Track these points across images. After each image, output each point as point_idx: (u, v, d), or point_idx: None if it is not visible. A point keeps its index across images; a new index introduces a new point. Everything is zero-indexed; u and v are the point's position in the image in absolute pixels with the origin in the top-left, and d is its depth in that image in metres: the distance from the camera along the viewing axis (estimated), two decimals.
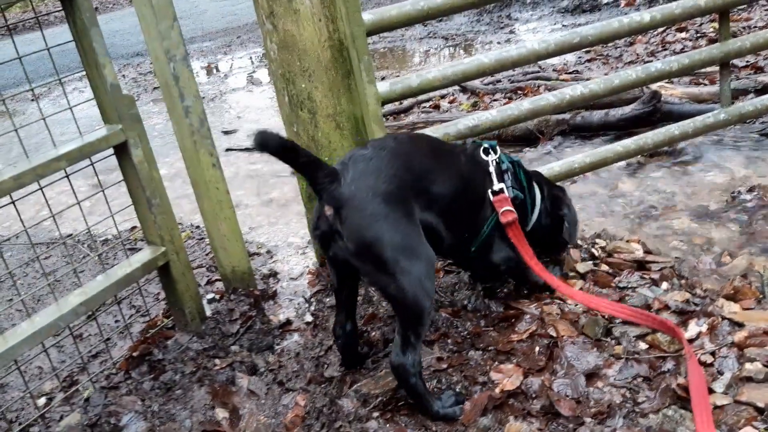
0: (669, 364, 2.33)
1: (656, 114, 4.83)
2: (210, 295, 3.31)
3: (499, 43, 9.40)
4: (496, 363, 2.52)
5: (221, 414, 2.55)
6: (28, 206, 4.82)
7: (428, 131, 3.30)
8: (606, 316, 2.62)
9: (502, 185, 2.62)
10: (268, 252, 4.00)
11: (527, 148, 5.13)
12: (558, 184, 3.17)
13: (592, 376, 2.36)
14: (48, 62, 3.07)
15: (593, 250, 3.17)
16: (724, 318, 2.48)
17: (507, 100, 6.39)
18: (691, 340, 2.42)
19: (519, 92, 6.51)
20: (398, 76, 7.22)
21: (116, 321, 3.49)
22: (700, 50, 3.88)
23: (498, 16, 11.05)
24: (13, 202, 2.53)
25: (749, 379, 2.17)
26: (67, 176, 2.65)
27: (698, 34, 7.15)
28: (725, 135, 4.54)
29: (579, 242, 3.24)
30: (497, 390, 2.37)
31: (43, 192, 2.63)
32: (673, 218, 3.68)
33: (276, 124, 2.59)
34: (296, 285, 3.50)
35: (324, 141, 3.18)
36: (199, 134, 2.93)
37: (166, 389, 2.72)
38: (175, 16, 2.78)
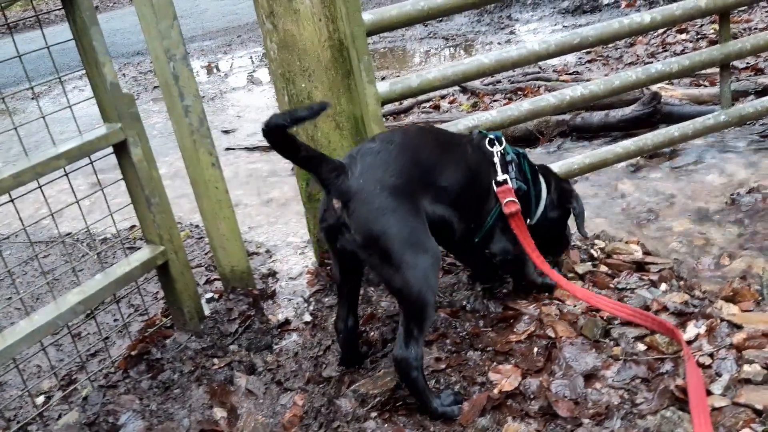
0: (667, 366, 2.33)
1: (656, 115, 4.83)
2: (209, 295, 3.31)
3: (499, 43, 9.40)
4: (495, 363, 2.52)
5: (219, 413, 2.55)
6: (28, 204, 4.83)
7: None
8: (605, 317, 2.62)
9: (506, 176, 2.63)
10: (268, 251, 3.99)
11: (527, 149, 5.12)
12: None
13: (590, 377, 2.36)
14: (48, 61, 3.07)
15: (592, 251, 3.17)
16: (722, 320, 2.48)
17: (507, 100, 6.39)
18: (689, 342, 2.41)
19: (519, 93, 6.51)
20: (398, 76, 7.22)
21: (115, 320, 3.49)
22: (700, 52, 3.88)
23: (498, 16, 11.04)
24: (12, 201, 2.53)
25: (747, 381, 2.17)
26: (66, 175, 2.65)
27: (699, 36, 7.15)
28: (725, 136, 4.54)
29: (578, 243, 3.23)
30: (496, 390, 2.36)
31: (42, 190, 2.63)
32: (673, 220, 3.68)
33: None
34: (295, 285, 3.49)
35: (323, 141, 3.18)
36: (198, 133, 2.93)
37: (165, 388, 2.72)
38: (175, 15, 2.78)
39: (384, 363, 2.62)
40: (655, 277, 2.89)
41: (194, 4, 18.67)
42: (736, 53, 3.86)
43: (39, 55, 2.62)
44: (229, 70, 10.78)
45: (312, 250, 3.73)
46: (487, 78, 6.94)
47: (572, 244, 3.21)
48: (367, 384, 2.48)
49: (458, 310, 2.87)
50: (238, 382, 2.70)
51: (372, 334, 2.85)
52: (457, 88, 7.09)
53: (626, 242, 3.27)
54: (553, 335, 2.58)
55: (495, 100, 6.52)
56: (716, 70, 4.56)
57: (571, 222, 2.98)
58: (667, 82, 5.35)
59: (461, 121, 3.40)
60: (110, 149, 2.75)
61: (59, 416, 2.72)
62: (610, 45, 7.52)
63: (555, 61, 7.46)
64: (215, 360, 2.85)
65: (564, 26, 9.57)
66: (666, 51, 6.92)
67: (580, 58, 7.45)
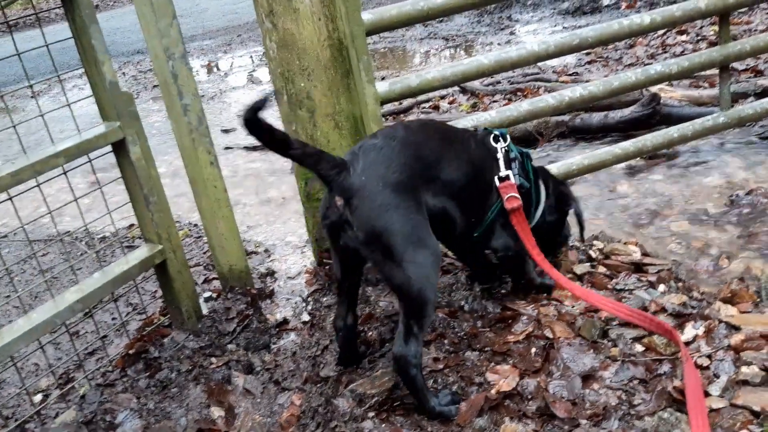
0: (665, 367, 2.33)
1: (655, 116, 4.83)
2: (207, 294, 3.31)
3: (499, 44, 9.40)
4: (493, 364, 2.52)
5: (217, 412, 2.55)
6: (27, 203, 4.83)
7: None
8: (603, 318, 2.62)
9: (508, 172, 2.63)
10: (266, 251, 3.99)
11: (527, 150, 5.12)
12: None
13: (588, 377, 2.36)
14: (49, 59, 3.07)
15: (591, 252, 3.17)
16: (720, 321, 2.48)
17: (506, 101, 6.39)
18: (687, 343, 2.41)
19: (518, 93, 6.51)
20: (398, 76, 7.22)
21: (113, 319, 3.49)
22: (699, 53, 3.88)
23: (498, 17, 11.04)
24: (10, 199, 2.53)
25: (745, 383, 2.17)
26: (65, 173, 2.65)
27: (698, 37, 7.15)
28: (724, 138, 4.54)
29: (577, 244, 3.23)
30: (493, 391, 2.36)
31: (40, 188, 2.63)
32: (672, 221, 3.68)
33: (276, 123, 2.60)
34: (294, 284, 3.49)
35: (323, 140, 3.18)
36: (197, 132, 2.92)
37: (162, 387, 2.72)
38: (174, 14, 2.78)
39: (382, 363, 2.62)
40: (653, 278, 2.89)
41: (194, 4, 18.68)
42: (736, 55, 3.86)
43: (39, 54, 2.62)
44: (229, 70, 10.78)
45: (311, 250, 3.73)
46: (486, 79, 6.94)
47: (571, 245, 3.21)
48: (364, 384, 2.48)
49: (456, 310, 2.87)
50: (235, 382, 2.69)
51: (370, 333, 2.85)
52: (456, 88, 7.09)
53: (625, 243, 3.27)
54: (551, 336, 2.58)
55: (494, 101, 6.52)
56: (716, 71, 4.56)
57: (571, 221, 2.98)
58: (666, 83, 5.35)
59: (460, 122, 3.40)
60: (109, 148, 2.75)
61: (56, 414, 2.71)
62: (610, 46, 7.52)
63: (555, 62, 7.46)
64: (213, 359, 2.84)
65: (564, 27, 9.57)
66: (666, 52, 6.92)
67: (579, 59, 7.44)
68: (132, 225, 4.44)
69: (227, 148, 6.35)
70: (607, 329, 2.58)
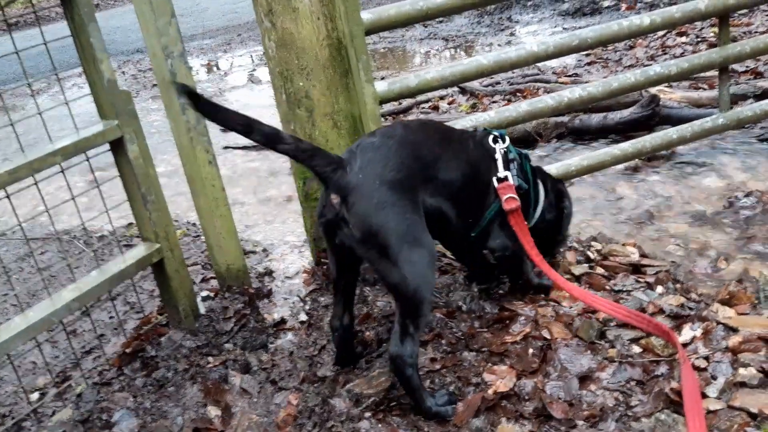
0: (662, 368, 2.33)
1: (655, 118, 4.82)
2: (204, 293, 3.30)
3: (499, 45, 9.39)
4: (490, 364, 2.51)
5: (213, 412, 2.54)
6: (25, 201, 4.81)
7: None
8: (600, 319, 2.62)
9: (507, 173, 2.62)
10: (264, 250, 3.99)
11: (526, 151, 5.12)
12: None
13: (585, 378, 2.35)
14: (49, 58, 3.07)
15: (589, 252, 3.16)
16: (718, 323, 2.48)
17: (506, 102, 6.39)
18: (685, 345, 2.41)
19: (518, 94, 6.50)
20: (398, 76, 7.23)
21: (110, 317, 3.48)
22: (699, 54, 3.88)
23: (498, 18, 11.04)
24: (8, 196, 2.53)
25: (743, 385, 2.16)
26: (62, 171, 2.64)
27: (698, 39, 7.14)
28: (724, 140, 4.54)
29: (575, 245, 3.23)
30: (490, 391, 2.36)
31: (38, 186, 2.62)
32: (670, 222, 3.67)
33: (275, 123, 2.60)
34: (291, 284, 3.49)
35: (321, 140, 3.18)
36: (195, 131, 2.92)
37: (159, 386, 2.71)
38: (173, 13, 2.78)
39: (379, 363, 2.62)
40: (651, 280, 2.89)
41: (194, 3, 18.66)
42: (735, 56, 3.86)
43: (40, 52, 2.61)
44: (229, 69, 10.77)
45: (309, 249, 3.72)
46: (486, 79, 6.96)
47: (569, 245, 3.21)
48: (361, 384, 2.47)
49: (454, 310, 2.87)
50: (232, 381, 2.69)
51: (367, 333, 2.84)
52: (456, 89, 7.08)
53: (623, 244, 3.27)
54: (548, 336, 2.58)
55: (494, 102, 6.51)
56: (715, 73, 4.55)
57: None
58: (666, 84, 5.35)
59: (459, 122, 3.40)
60: (107, 146, 2.75)
61: (53, 413, 2.71)
62: (610, 47, 7.51)
63: (554, 63, 7.46)
64: (210, 358, 2.84)
65: (564, 28, 9.56)
66: (665, 54, 6.92)
67: (579, 60, 7.44)
68: (130, 224, 4.44)
69: (226, 147, 6.35)
70: (604, 330, 2.58)
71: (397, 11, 3.10)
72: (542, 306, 2.78)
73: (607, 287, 2.88)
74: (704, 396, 2.15)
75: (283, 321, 3.11)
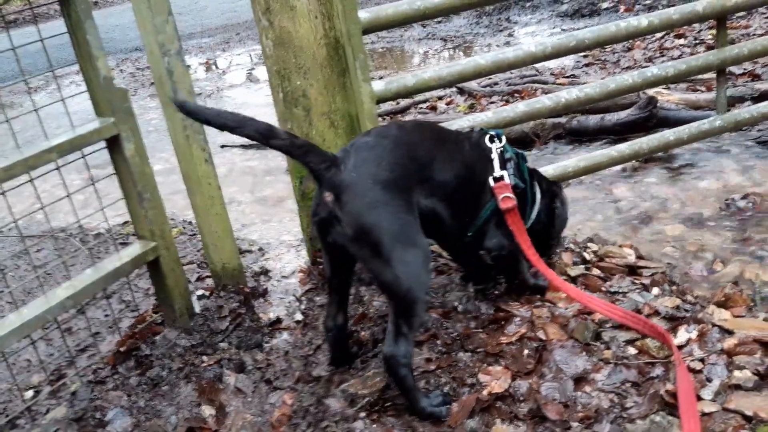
0: (658, 370, 2.32)
1: (652, 119, 4.82)
2: (200, 292, 3.29)
3: (497, 45, 9.39)
4: (485, 365, 2.50)
5: (207, 411, 2.54)
6: (22, 198, 4.79)
7: None
8: (596, 320, 2.61)
9: (503, 172, 2.62)
10: (260, 249, 3.98)
11: (522, 151, 5.12)
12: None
13: (580, 380, 2.35)
14: (48, 54, 3.07)
15: (585, 254, 3.16)
16: (714, 325, 2.47)
17: (504, 102, 6.38)
18: (680, 347, 2.41)
19: (516, 95, 6.50)
20: (396, 75, 7.22)
21: (106, 315, 3.47)
22: (696, 56, 3.88)
23: (497, 18, 11.04)
24: (3, 193, 2.52)
25: (738, 387, 2.16)
26: (58, 168, 2.64)
27: (696, 41, 7.15)
28: (721, 142, 4.54)
29: (572, 245, 3.23)
30: (485, 392, 2.35)
31: (33, 184, 2.62)
32: (667, 224, 3.67)
33: (273, 122, 2.60)
34: (287, 283, 3.48)
35: (318, 139, 3.17)
36: (191, 129, 2.91)
37: (153, 385, 2.71)
38: (170, 11, 2.77)
39: (374, 363, 2.61)
40: (647, 281, 2.89)
41: (193, 1, 18.65)
42: (733, 59, 3.86)
43: (38, 49, 2.61)
44: (228, 68, 10.77)
45: (305, 249, 3.72)
46: (484, 80, 6.95)
47: (566, 246, 3.21)
48: (356, 384, 2.47)
49: (450, 310, 2.86)
50: (227, 380, 2.68)
51: (363, 333, 2.84)
52: (454, 89, 7.08)
53: (619, 246, 3.26)
54: (544, 337, 2.57)
55: (492, 102, 6.51)
56: (713, 75, 4.56)
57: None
58: (663, 86, 5.35)
59: (457, 122, 3.40)
60: (103, 144, 2.74)
61: (47, 411, 2.70)
62: (608, 49, 7.52)
63: (552, 64, 7.46)
64: (204, 357, 2.83)
65: (562, 29, 9.57)
66: (663, 56, 6.92)
67: (577, 61, 7.44)
68: (126, 222, 4.43)
69: (223, 146, 6.34)
70: (600, 332, 2.57)
71: (395, 10, 3.10)
72: (538, 307, 2.78)
73: (603, 288, 2.87)
74: (699, 398, 2.15)
75: (278, 320, 3.10)
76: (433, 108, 6.66)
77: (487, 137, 2.68)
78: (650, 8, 9.24)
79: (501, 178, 2.62)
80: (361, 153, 2.28)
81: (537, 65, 7.26)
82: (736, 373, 2.21)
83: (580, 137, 5.15)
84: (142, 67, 11.44)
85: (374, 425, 2.31)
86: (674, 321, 2.57)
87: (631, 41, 7.37)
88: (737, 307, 2.61)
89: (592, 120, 5.07)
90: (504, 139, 2.71)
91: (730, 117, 4.00)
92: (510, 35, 9.92)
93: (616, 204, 4.01)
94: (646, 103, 4.83)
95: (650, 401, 2.19)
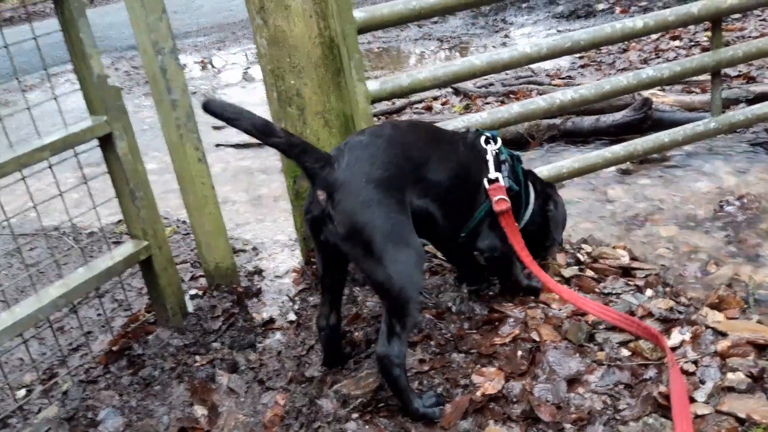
0: (651, 372, 2.32)
1: (647, 121, 4.82)
2: (193, 291, 3.28)
3: (494, 46, 9.39)
4: (479, 366, 2.50)
5: (200, 411, 2.53)
6: (16, 197, 4.77)
7: None
8: (590, 321, 2.61)
9: (498, 174, 2.62)
10: (254, 249, 3.97)
11: (517, 153, 5.11)
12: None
13: (573, 381, 2.35)
14: (44, 53, 3.06)
15: (579, 255, 3.16)
16: (707, 327, 2.48)
17: (499, 103, 6.38)
18: (673, 348, 2.41)
19: (511, 96, 6.49)
20: (391, 75, 7.21)
21: (98, 314, 3.46)
22: (691, 58, 3.88)
23: (493, 19, 11.04)
24: None
25: (731, 389, 2.16)
26: (50, 167, 2.62)
27: (692, 43, 7.16)
28: (715, 144, 4.54)
29: (566, 246, 3.23)
30: (478, 393, 2.35)
31: (25, 182, 2.60)
32: (661, 225, 3.67)
33: None
34: (281, 283, 3.47)
35: (312, 138, 3.16)
36: (185, 128, 2.90)
37: (145, 385, 2.70)
38: (164, 9, 2.76)
39: (367, 364, 2.61)
40: (641, 283, 2.89)
41: (189, 0, 18.62)
42: (728, 61, 3.86)
43: (35, 47, 2.60)
44: (223, 67, 10.75)
45: (299, 249, 3.71)
46: (479, 80, 6.95)
47: (561, 247, 3.20)
48: (349, 385, 2.46)
49: (444, 311, 2.86)
50: (219, 380, 2.67)
51: (356, 334, 2.83)
52: (450, 89, 7.08)
53: (613, 247, 3.26)
54: (537, 339, 2.57)
55: (487, 103, 6.50)
56: (708, 77, 4.56)
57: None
58: (658, 88, 5.35)
59: (452, 123, 3.39)
60: (96, 142, 2.73)
61: (39, 410, 2.69)
62: (604, 50, 7.52)
63: (548, 65, 7.45)
64: (197, 357, 2.82)
65: (558, 31, 9.57)
66: (659, 57, 6.93)
67: (573, 62, 7.45)
68: (120, 221, 4.42)
69: (218, 145, 6.32)
70: (593, 333, 2.57)
71: (390, 10, 3.09)
72: (532, 308, 2.77)
73: (597, 290, 2.87)
74: (692, 400, 2.15)
75: (271, 320, 3.09)
76: (429, 108, 6.66)
77: (482, 138, 2.68)
78: (646, 10, 9.25)
79: (496, 180, 2.61)
80: (354, 152, 2.27)
81: (532, 66, 7.26)
82: (730, 375, 2.20)
83: (574, 138, 5.14)
84: (138, 65, 11.41)
85: (367, 426, 2.30)
86: (668, 323, 2.57)
87: (626, 43, 7.38)
88: (731, 309, 2.61)
89: (587, 121, 5.07)
90: (499, 140, 2.71)
91: (724, 119, 4.00)
92: (506, 36, 9.91)
93: (610, 205, 4.01)
94: (641, 105, 4.82)
95: (643, 403, 2.19)
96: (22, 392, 2.88)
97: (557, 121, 5.18)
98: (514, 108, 3.53)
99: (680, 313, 2.63)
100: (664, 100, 5.24)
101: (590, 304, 2.49)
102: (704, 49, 6.54)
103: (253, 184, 5.25)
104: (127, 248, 2.85)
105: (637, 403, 2.20)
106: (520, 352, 2.52)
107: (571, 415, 2.20)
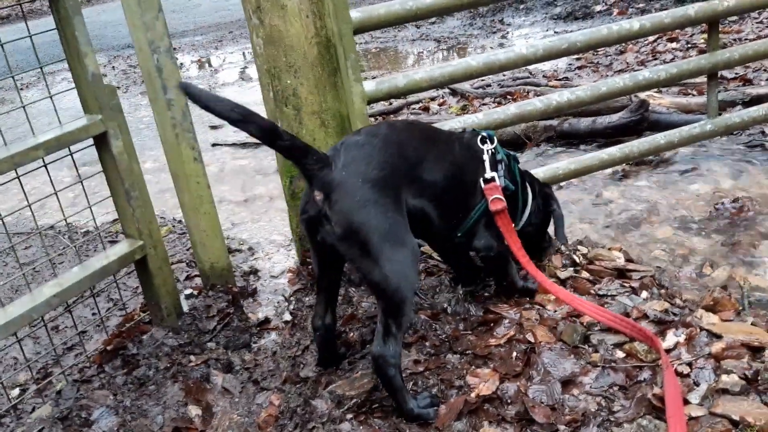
0: (645, 374, 2.32)
1: (644, 123, 4.83)
2: (188, 291, 3.28)
3: (491, 47, 9.40)
4: (473, 367, 2.50)
5: (194, 411, 2.52)
6: (11, 196, 4.78)
7: None
8: (585, 323, 2.61)
9: (494, 174, 2.62)
10: (250, 249, 3.97)
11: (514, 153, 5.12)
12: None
13: (568, 383, 2.34)
14: (40, 51, 3.07)
15: (575, 256, 3.15)
16: (702, 329, 2.47)
17: (496, 104, 6.39)
18: (668, 350, 2.40)
19: (508, 97, 6.50)
20: (387, 76, 7.21)
21: (93, 314, 3.45)
22: (688, 60, 3.88)
23: (491, 20, 11.05)
24: None
25: (725, 391, 2.16)
26: (45, 165, 2.62)
27: (689, 45, 7.17)
28: (711, 146, 4.55)
29: (562, 248, 3.22)
30: (473, 394, 2.34)
31: (20, 180, 2.59)
32: (656, 227, 3.68)
33: None
34: (276, 283, 3.47)
35: (308, 138, 3.16)
36: (181, 127, 2.90)
37: (139, 384, 2.69)
38: (160, 7, 2.75)
39: (362, 364, 2.60)
40: (636, 285, 2.89)
41: None
42: (724, 63, 3.87)
43: (31, 46, 2.59)
44: (220, 66, 10.75)
45: (295, 249, 3.70)
46: (477, 82, 6.96)
47: (556, 249, 3.20)
48: (343, 385, 2.46)
49: (439, 312, 2.85)
50: (214, 380, 2.67)
51: (351, 335, 2.82)
52: (447, 90, 7.09)
53: (609, 249, 3.26)
54: (532, 340, 2.57)
55: (484, 104, 6.51)
56: (705, 79, 4.56)
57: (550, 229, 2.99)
58: (655, 90, 5.36)
59: (448, 123, 3.39)
60: (91, 141, 2.72)
61: (33, 409, 2.68)
62: (601, 52, 7.54)
63: (545, 66, 7.47)
64: (192, 357, 2.82)
65: (555, 32, 9.58)
66: (656, 59, 6.94)
67: (570, 64, 7.46)
68: (116, 219, 4.41)
69: (214, 144, 6.32)
70: (588, 334, 2.57)
71: (387, 11, 3.09)
72: (527, 309, 2.77)
73: (592, 291, 2.87)
74: (686, 402, 2.15)
75: (267, 320, 3.09)
76: (426, 109, 6.66)
77: (478, 138, 2.68)
78: (643, 11, 9.27)
79: (492, 179, 2.61)
80: (350, 151, 2.27)
81: (530, 67, 7.28)
82: (724, 377, 2.20)
83: (571, 140, 5.15)
84: (135, 64, 11.41)
85: (361, 427, 2.30)
86: (662, 324, 2.57)
87: (623, 44, 7.39)
88: (726, 311, 2.61)
89: (584, 123, 5.08)
90: (495, 140, 2.71)
91: (720, 121, 4.01)
92: (503, 37, 9.92)
93: (606, 207, 4.01)
94: (637, 107, 4.83)
95: (637, 405, 2.19)
96: (16, 391, 2.87)
97: (554, 122, 5.19)
98: (511, 109, 3.52)
99: (675, 315, 2.63)
100: (661, 102, 5.25)
101: (586, 306, 2.49)
102: (701, 52, 6.56)
103: (249, 184, 5.25)
104: (122, 247, 2.84)
105: (631, 405, 2.20)
106: (515, 353, 2.52)
107: (566, 417, 2.20)
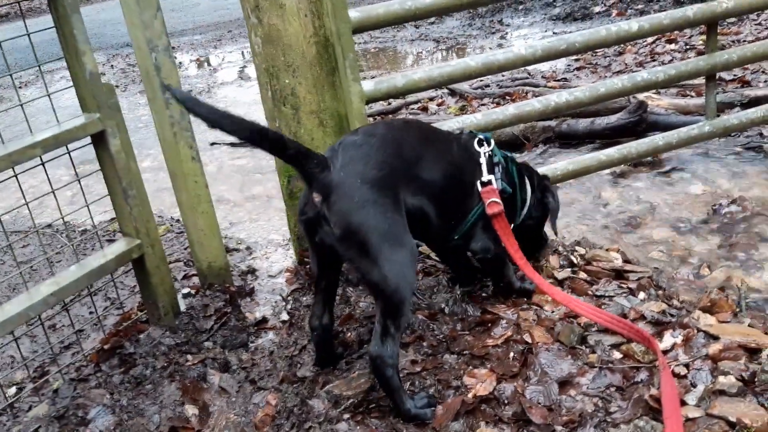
0: (642, 375, 2.32)
1: (642, 124, 4.83)
2: (185, 290, 3.28)
3: (490, 48, 9.39)
4: (471, 368, 2.50)
5: (191, 410, 2.52)
6: (9, 194, 4.78)
7: None
8: (582, 324, 2.61)
9: (491, 177, 2.62)
10: (248, 248, 3.96)
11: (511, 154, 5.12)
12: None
13: (565, 383, 2.35)
14: (40, 49, 3.06)
15: (572, 257, 3.16)
16: (699, 330, 2.48)
17: (495, 104, 6.38)
18: (665, 351, 2.41)
19: (507, 97, 6.50)
20: (386, 75, 7.20)
21: (90, 312, 3.45)
22: (686, 61, 3.88)
23: (490, 21, 11.05)
24: None
25: (722, 393, 2.16)
26: (43, 164, 2.62)
27: (687, 46, 7.17)
28: (710, 147, 4.55)
29: (559, 249, 3.23)
30: (470, 395, 2.35)
31: (17, 178, 2.59)
32: (654, 229, 3.68)
33: (262, 120, 2.59)
34: (274, 283, 3.47)
35: (306, 137, 3.16)
36: (179, 126, 2.90)
37: (136, 383, 2.69)
38: (158, 6, 2.75)
39: (359, 364, 2.60)
40: (633, 286, 2.89)
41: None
42: (723, 64, 3.87)
43: (29, 44, 2.59)
44: (219, 65, 10.74)
45: (293, 248, 3.70)
46: (475, 82, 6.96)
47: (553, 249, 3.20)
48: (340, 385, 2.46)
49: (436, 312, 2.86)
50: (211, 380, 2.67)
51: (349, 335, 2.82)
52: (446, 90, 7.09)
53: (606, 250, 3.26)
54: (529, 340, 2.57)
55: (483, 104, 6.51)
56: (703, 80, 4.57)
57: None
58: (653, 91, 5.36)
59: (447, 123, 3.39)
60: (89, 139, 2.72)
61: (29, 408, 2.68)
62: (599, 53, 7.54)
63: (544, 67, 7.47)
64: (189, 356, 2.81)
65: (554, 33, 9.58)
66: (654, 60, 6.94)
67: (568, 65, 7.46)
68: (113, 218, 4.40)
69: (213, 143, 6.31)
70: (585, 335, 2.57)
71: (386, 10, 3.09)
72: (524, 310, 2.77)
73: (590, 292, 2.87)
74: (683, 403, 2.15)
75: (264, 320, 3.08)
76: (425, 109, 6.66)
77: (475, 140, 2.68)
78: (642, 12, 9.27)
79: (489, 182, 2.61)
80: (348, 152, 2.27)
81: (529, 68, 7.27)
82: (721, 378, 2.21)
83: (569, 141, 5.15)
84: (134, 63, 11.39)
85: (358, 427, 2.30)
86: (660, 325, 2.57)
87: (622, 46, 7.39)
88: (723, 312, 2.61)
89: (582, 123, 5.08)
90: (492, 142, 2.71)
91: (719, 122, 4.01)
92: (502, 38, 9.92)
93: (604, 208, 4.01)
94: (636, 108, 4.83)
95: (634, 406, 2.19)
96: (13, 390, 2.86)
97: (552, 123, 5.19)
98: (510, 109, 3.52)
99: (672, 316, 2.63)
100: (659, 103, 5.25)
101: (583, 306, 2.49)
102: (700, 53, 6.56)
103: (247, 183, 5.24)
104: (120, 246, 2.84)
105: (628, 406, 2.20)
106: (512, 354, 2.52)
107: (563, 418, 2.20)
